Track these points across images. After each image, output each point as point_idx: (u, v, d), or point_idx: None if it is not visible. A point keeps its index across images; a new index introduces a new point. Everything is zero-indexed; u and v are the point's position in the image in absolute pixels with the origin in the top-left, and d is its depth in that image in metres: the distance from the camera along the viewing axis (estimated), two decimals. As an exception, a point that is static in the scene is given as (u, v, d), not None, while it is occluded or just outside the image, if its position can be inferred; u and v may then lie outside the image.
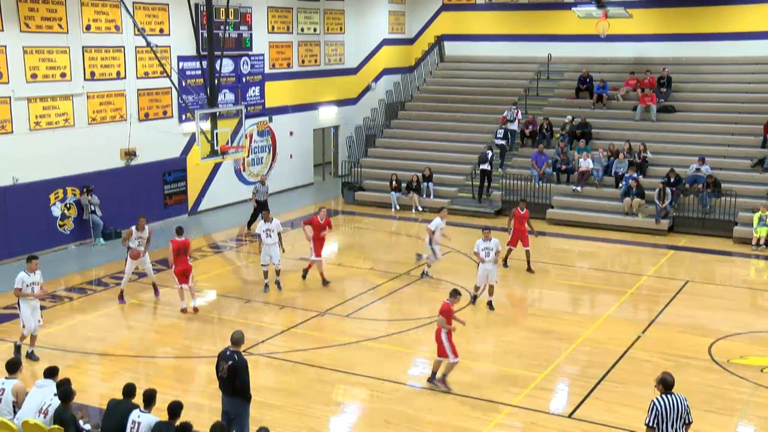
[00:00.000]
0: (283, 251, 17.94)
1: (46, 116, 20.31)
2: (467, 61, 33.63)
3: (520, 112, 28.19)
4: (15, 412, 10.01)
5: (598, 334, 15.32)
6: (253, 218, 23.11)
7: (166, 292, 17.56)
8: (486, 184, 25.88)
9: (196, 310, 16.35)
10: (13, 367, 10.42)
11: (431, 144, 29.03)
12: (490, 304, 16.55)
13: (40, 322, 14.07)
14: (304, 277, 18.35)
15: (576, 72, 29.98)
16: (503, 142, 27.00)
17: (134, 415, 9.36)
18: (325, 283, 18.05)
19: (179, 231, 16.65)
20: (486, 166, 25.72)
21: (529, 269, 19.08)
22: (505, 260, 19.26)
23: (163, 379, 12.93)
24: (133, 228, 16.66)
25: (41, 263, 19.35)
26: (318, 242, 18.06)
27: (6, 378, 10.31)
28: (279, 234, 17.51)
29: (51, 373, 10.41)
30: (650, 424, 8.77)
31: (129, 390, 9.72)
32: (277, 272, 17.65)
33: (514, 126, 27.78)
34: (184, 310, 16.30)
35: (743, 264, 20.82)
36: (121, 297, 16.85)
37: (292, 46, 28.66)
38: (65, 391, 9.59)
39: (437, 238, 18.51)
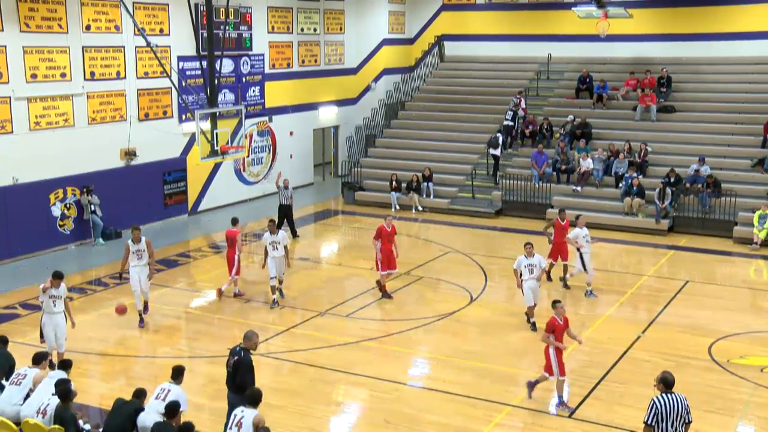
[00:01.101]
0: (289, 266, 17.25)
1: (46, 116, 20.31)
2: (467, 61, 33.63)
3: (523, 101, 28.41)
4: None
5: (598, 334, 15.31)
6: (280, 222, 21.84)
7: (167, 291, 17.56)
8: (496, 168, 26.52)
9: (219, 292, 17.20)
10: (38, 359, 10.81)
11: (431, 144, 29.03)
12: (533, 324, 15.40)
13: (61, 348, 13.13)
14: (387, 296, 17.22)
15: (576, 72, 29.98)
16: (511, 123, 27.64)
17: (164, 384, 9.93)
18: (386, 295, 17.22)
19: (233, 221, 17.62)
20: (496, 152, 26.26)
21: (564, 285, 17.94)
22: (548, 274, 18.08)
23: (163, 379, 12.90)
24: (129, 242, 15.51)
25: (41, 263, 19.60)
26: (386, 252, 17.09)
27: (30, 366, 10.67)
28: (286, 247, 16.79)
29: (64, 365, 10.71)
30: (649, 422, 8.76)
31: (139, 393, 9.83)
32: (280, 281, 17.04)
33: (519, 113, 28.16)
34: (236, 295, 17.21)
35: (743, 264, 20.81)
36: (142, 317, 15.67)
37: (292, 46, 28.66)
38: (65, 390, 9.61)
39: (586, 249, 17.27)
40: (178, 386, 10.01)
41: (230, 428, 9.06)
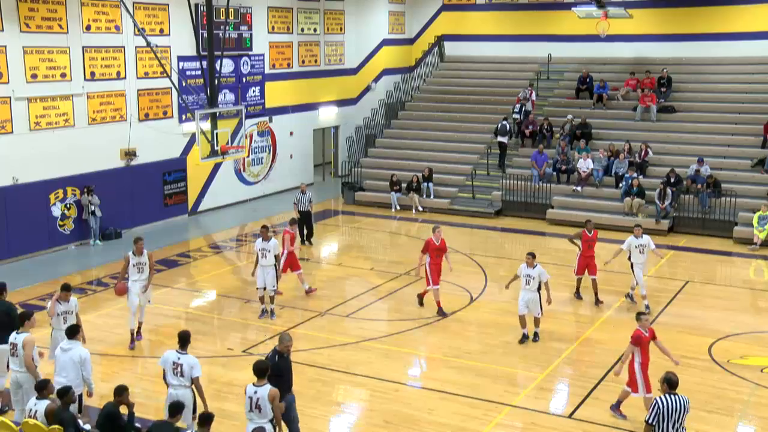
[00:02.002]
0: (279, 277, 16.26)
1: (46, 116, 20.31)
2: (467, 61, 33.64)
3: (534, 93, 28.60)
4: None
5: (598, 334, 15.31)
6: (301, 230, 21.32)
7: (168, 291, 17.56)
8: (504, 155, 26.96)
9: (308, 291, 17.32)
10: (22, 319, 11.07)
11: (431, 144, 29.03)
12: (535, 335, 14.87)
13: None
14: (421, 303, 16.59)
15: (576, 72, 29.99)
16: (518, 116, 28.14)
17: (173, 356, 10.09)
18: (442, 313, 16.15)
19: (291, 222, 17.92)
20: (504, 139, 26.78)
21: (597, 301, 16.89)
22: (577, 291, 17.29)
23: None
24: (130, 253, 14.41)
25: (41, 263, 19.61)
26: (436, 267, 16.08)
27: (17, 333, 10.94)
28: (276, 256, 15.95)
29: (72, 332, 10.92)
30: (651, 421, 8.77)
31: (119, 390, 9.77)
32: (271, 299, 16.04)
33: (528, 106, 28.37)
34: (308, 291, 17.30)
35: (743, 264, 20.81)
36: (134, 337, 14.56)
37: (292, 46, 28.66)
38: (64, 391, 9.61)
39: (639, 260, 16.31)
40: (187, 354, 10.23)
41: (251, 412, 9.43)
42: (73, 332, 10.86)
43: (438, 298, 16.26)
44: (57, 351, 10.99)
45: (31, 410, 9.65)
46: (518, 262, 19.29)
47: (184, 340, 10.45)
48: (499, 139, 27.01)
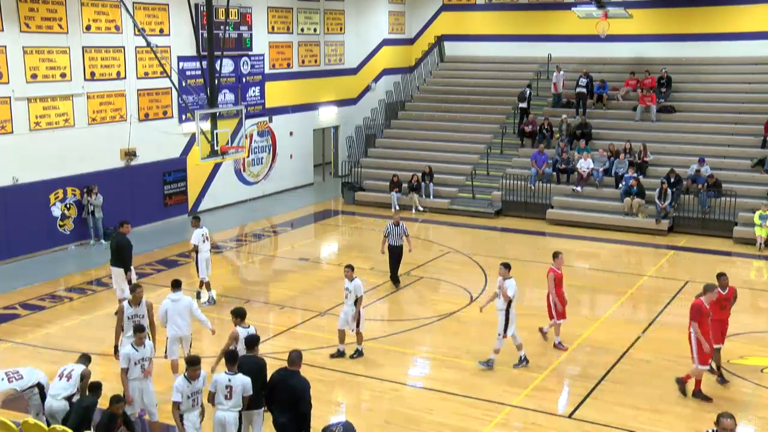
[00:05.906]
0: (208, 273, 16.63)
1: (46, 116, 20.31)
2: (467, 61, 33.65)
3: (562, 71, 29.11)
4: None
5: (598, 335, 15.31)
6: (392, 266, 18.36)
7: (167, 291, 17.50)
8: (524, 121, 27.94)
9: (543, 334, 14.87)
10: None
11: (431, 144, 29.03)
12: (356, 352, 14.01)
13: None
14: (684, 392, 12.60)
15: (576, 72, 29.98)
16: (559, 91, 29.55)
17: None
18: (704, 397, 12.44)
19: (554, 255, 14.24)
20: (524, 104, 28.12)
21: (721, 377, 13.03)
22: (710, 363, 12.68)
23: (164, 380, 12.90)
24: (125, 303, 11.94)
25: (41, 263, 19.60)
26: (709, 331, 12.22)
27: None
28: (196, 246, 16.48)
29: (175, 285, 12.08)
30: None
31: (94, 387, 10.13)
32: (206, 285, 16.46)
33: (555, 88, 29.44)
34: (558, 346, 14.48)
35: (743, 264, 20.80)
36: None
37: (292, 47, 28.66)
38: (96, 385, 10.14)
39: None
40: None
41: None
42: (177, 285, 11.97)
43: (700, 377, 12.47)
44: (166, 301, 11.92)
45: (65, 369, 10.31)
46: (518, 262, 19.32)
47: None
48: (521, 105, 28.06)
